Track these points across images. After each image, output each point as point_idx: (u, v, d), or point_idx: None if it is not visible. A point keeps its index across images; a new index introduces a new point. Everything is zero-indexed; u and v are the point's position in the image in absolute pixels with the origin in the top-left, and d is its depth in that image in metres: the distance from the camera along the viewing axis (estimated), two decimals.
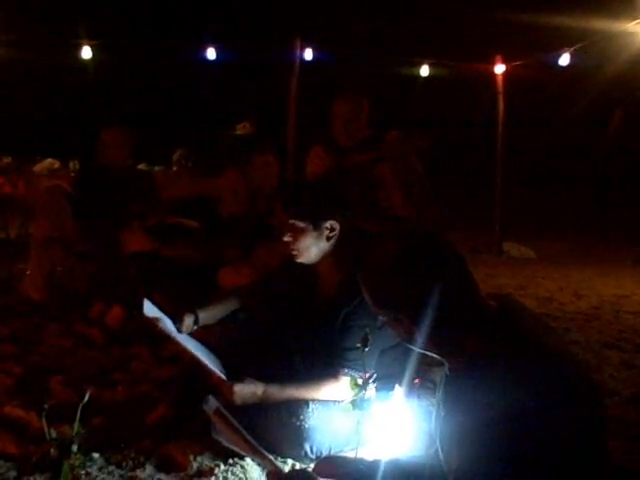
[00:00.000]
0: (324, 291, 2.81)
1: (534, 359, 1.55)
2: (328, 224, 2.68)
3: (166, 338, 2.80)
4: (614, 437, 2.79)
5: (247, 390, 2.58)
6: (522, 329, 1.63)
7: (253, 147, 5.42)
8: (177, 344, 2.76)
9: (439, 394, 1.75)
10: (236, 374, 2.64)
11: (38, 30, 8.79)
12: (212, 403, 1.99)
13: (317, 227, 2.68)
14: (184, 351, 2.71)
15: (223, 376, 2.61)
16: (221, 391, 2.61)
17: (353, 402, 2.38)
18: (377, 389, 2.53)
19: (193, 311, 2.97)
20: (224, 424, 2.00)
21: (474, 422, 1.50)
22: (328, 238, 2.69)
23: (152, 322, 2.74)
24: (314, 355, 2.75)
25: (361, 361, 2.53)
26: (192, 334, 2.94)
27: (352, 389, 2.37)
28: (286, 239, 2.71)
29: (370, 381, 2.35)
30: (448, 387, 1.70)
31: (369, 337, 2.00)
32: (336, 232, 2.69)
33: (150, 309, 2.85)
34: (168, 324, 2.82)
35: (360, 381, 2.36)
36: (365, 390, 2.31)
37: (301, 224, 2.67)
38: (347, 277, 2.64)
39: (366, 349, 2.14)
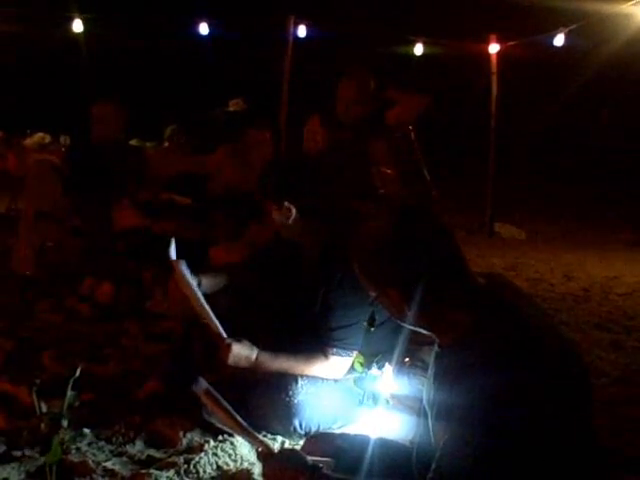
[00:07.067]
0: (306, 268, 2.83)
1: (522, 336, 1.55)
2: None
3: (180, 281, 2.76)
4: (602, 417, 2.81)
5: (242, 352, 2.59)
6: (511, 306, 1.64)
7: (246, 124, 5.37)
8: (188, 289, 2.72)
9: (430, 371, 1.75)
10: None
11: (29, 2, 8.66)
12: (202, 384, 1.99)
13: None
14: (192, 298, 2.69)
15: (223, 333, 2.61)
16: (217, 346, 2.61)
17: (355, 379, 2.43)
18: (369, 367, 2.56)
19: (197, 275, 2.95)
20: (214, 405, 2.00)
21: (461, 398, 1.51)
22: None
23: (174, 264, 2.76)
24: (301, 333, 2.76)
25: (350, 339, 2.57)
26: None
27: (357, 368, 2.42)
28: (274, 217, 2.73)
29: (375, 360, 2.39)
30: (438, 364, 1.70)
31: (375, 317, 1.97)
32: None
33: (175, 252, 2.84)
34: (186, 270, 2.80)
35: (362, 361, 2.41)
36: (369, 370, 2.35)
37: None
38: (321, 254, 2.69)
39: (372, 329, 2.11)
